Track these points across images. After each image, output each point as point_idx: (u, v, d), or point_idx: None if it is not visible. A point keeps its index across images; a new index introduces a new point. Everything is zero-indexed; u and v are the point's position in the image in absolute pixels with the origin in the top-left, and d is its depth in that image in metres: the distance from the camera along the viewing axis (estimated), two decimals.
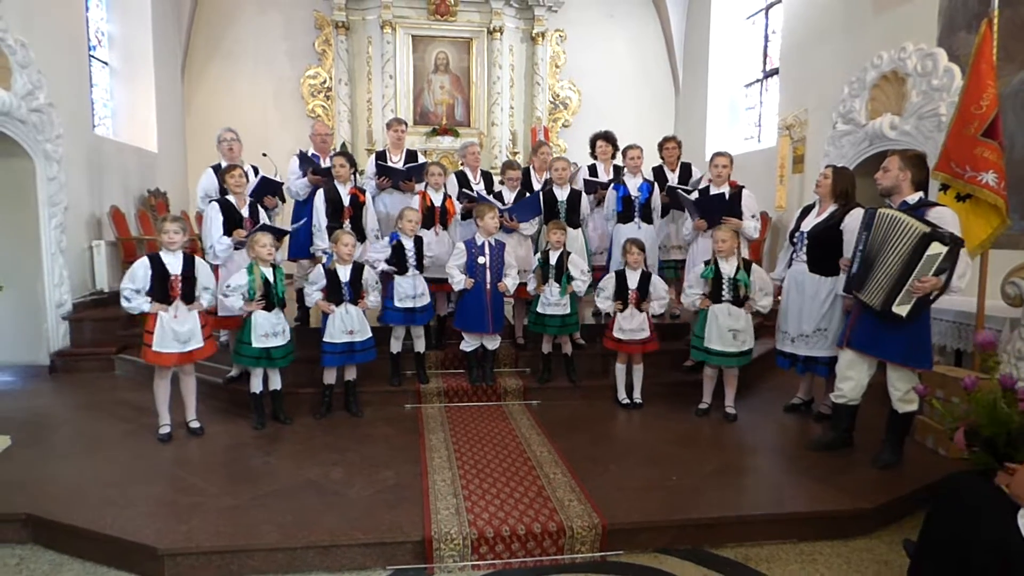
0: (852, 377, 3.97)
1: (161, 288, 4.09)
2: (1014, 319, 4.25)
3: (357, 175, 5.70)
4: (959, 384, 3.95)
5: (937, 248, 3.48)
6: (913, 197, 3.77)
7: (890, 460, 3.89)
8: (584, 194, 5.66)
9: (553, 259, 4.97)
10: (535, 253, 5.58)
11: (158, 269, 4.08)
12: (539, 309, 4.98)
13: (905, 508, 3.58)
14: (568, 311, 4.98)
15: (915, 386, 3.80)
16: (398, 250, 4.83)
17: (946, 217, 3.64)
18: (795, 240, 4.58)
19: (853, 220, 4.27)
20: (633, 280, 4.83)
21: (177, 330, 4.11)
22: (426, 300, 4.94)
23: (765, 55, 9.47)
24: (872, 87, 6.28)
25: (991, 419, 2.62)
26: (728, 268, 4.55)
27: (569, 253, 5.03)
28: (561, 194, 5.50)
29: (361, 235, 5.24)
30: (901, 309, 3.62)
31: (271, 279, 4.37)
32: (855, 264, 3.86)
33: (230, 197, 4.85)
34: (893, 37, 6.16)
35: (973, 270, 4.45)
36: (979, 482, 2.53)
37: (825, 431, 4.32)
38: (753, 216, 5.14)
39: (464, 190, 5.65)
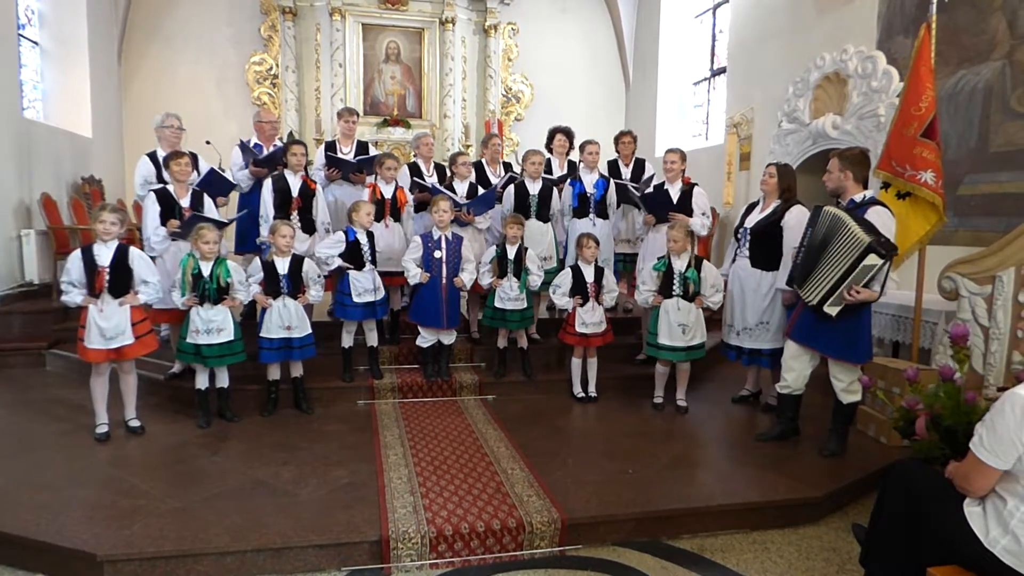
0: (795, 368, 4.08)
1: (91, 281, 3.91)
2: (950, 312, 4.46)
3: (308, 165, 5.54)
4: (899, 375, 4.15)
5: (874, 260, 3.56)
6: (860, 195, 3.87)
7: (836, 449, 4.01)
8: (555, 189, 5.61)
9: (511, 253, 4.93)
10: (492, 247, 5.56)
11: (88, 261, 3.90)
12: (497, 304, 4.94)
13: (850, 496, 3.71)
14: (525, 305, 4.97)
15: (860, 378, 3.93)
16: (354, 246, 4.69)
17: (881, 216, 3.75)
18: (739, 236, 4.70)
19: (793, 217, 4.40)
20: (589, 274, 4.85)
21: (102, 325, 3.88)
22: (383, 294, 4.84)
23: (713, 54, 9.65)
24: (815, 87, 6.48)
25: (954, 410, 2.70)
26: (679, 264, 4.62)
27: (527, 248, 5.01)
28: (533, 188, 5.46)
29: (311, 227, 5.10)
30: (831, 309, 3.74)
31: (205, 273, 4.17)
32: (799, 258, 3.96)
33: (169, 186, 4.64)
34: (835, 39, 6.36)
35: (911, 265, 4.67)
36: (926, 470, 2.62)
37: (773, 423, 4.43)
38: (704, 214, 5.23)
39: (416, 179, 5.57)
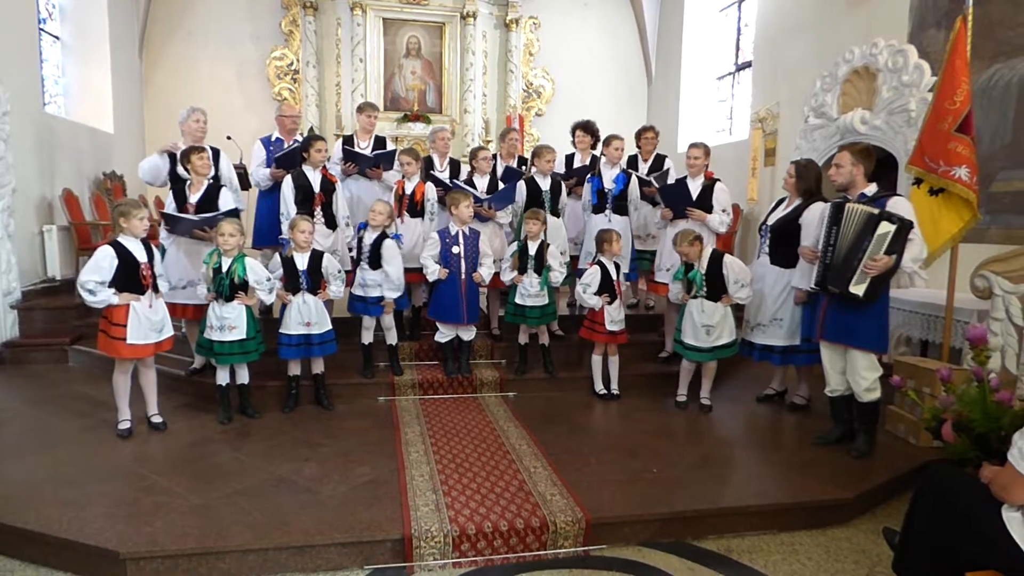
0: (836, 369, 4.03)
1: (129, 277, 3.88)
2: (983, 311, 4.34)
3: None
4: (930, 374, 4.05)
5: (886, 227, 3.59)
6: (870, 189, 3.86)
7: (864, 450, 3.93)
8: (563, 183, 5.57)
9: (532, 249, 4.88)
10: (513, 242, 5.50)
11: (124, 258, 3.87)
12: (518, 300, 4.90)
13: (880, 497, 3.63)
14: (546, 301, 4.92)
15: (891, 379, 3.85)
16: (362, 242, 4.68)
17: (902, 206, 3.73)
18: (761, 233, 4.67)
19: (810, 213, 4.30)
20: (615, 271, 4.80)
21: (153, 319, 3.96)
22: (378, 292, 4.72)
23: (738, 48, 9.51)
24: (843, 82, 6.34)
25: (984, 415, 2.62)
26: (696, 267, 4.57)
27: (548, 244, 4.95)
28: (544, 183, 5.41)
29: (334, 222, 5.08)
30: (857, 288, 3.70)
31: (224, 268, 4.13)
32: (829, 259, 3.85)
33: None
34: (864, 32, 6.22)
35: (942, 263, 4.55)
36: (961, 474, 2.55)
37: (832, 428, 4.24)
38: (724, 210, 5.08)
39: (432, 172, 5.52)
